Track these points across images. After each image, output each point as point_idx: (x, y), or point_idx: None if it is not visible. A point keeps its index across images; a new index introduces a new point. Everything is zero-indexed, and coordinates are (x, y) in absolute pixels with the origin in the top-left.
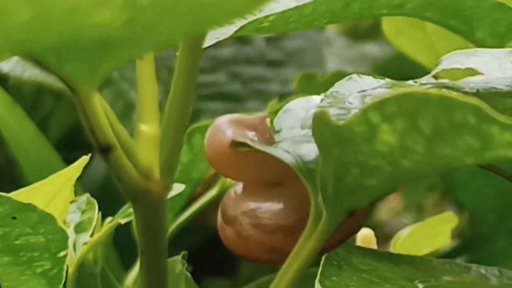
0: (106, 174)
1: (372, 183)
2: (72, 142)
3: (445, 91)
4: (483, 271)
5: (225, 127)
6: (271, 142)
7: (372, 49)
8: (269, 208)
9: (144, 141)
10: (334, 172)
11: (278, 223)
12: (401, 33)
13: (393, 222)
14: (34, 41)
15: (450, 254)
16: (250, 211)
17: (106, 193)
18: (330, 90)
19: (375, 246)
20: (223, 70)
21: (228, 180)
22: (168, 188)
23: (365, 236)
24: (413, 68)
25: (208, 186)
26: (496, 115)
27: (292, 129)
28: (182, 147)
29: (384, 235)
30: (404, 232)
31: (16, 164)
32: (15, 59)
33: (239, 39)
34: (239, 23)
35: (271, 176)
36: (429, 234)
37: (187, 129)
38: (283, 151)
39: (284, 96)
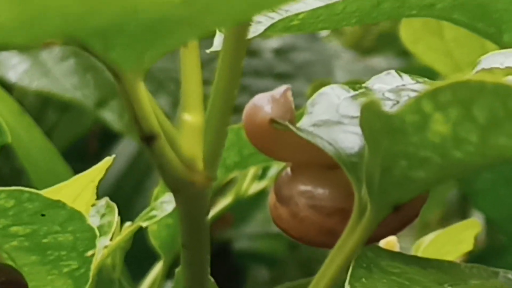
0: (118, 179)
1: (420, 175)
2: (76, 154)
3: (501, 79)
4: (510, 276)
5: (264, 102)
6: (291, 116)
7: (379, 62)
8: (328, 189)
9: (187, 131)
10: (381, 164)
11: (336, 206)
12: (420, 41)
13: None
14: (85, 21)
15: None
16: (307, 191)
17: (118, 198)
18: (368, 82)
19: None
20: None
21: (244, 189)
22: (211, 179)
23: (388, 241)
24: None
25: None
26: None
27: (324, 113)
28: (226, 138)
29: None
30: (427, 238)
31: (23, 174)
32: (22, 69)
33: (247, 51)
34: (268, 21)
35: (321, 158)
36: (452, 240)
37: (231, 119)
38: (327, 143)
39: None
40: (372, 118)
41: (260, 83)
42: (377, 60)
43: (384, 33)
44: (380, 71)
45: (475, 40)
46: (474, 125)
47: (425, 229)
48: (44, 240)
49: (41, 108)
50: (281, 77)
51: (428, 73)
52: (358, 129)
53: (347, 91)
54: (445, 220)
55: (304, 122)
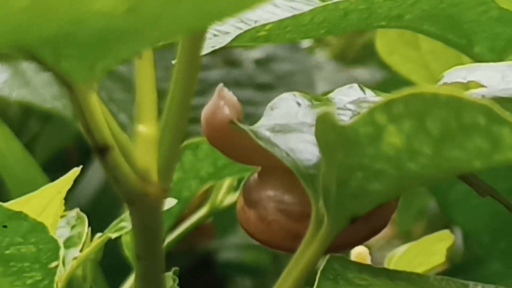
0: (97, 192)
1: (376, 187)
2: (58, 164)
3: (454, 91)
4: None
5: (221, 104)
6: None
7: (362, 73)
8: (296, 194)
9: (141, 142)
10: (337, 176)
11: (304, 210)
12: (395, 52)
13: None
14: (32, 31)
15: None
16: (276, 196)
17: (96, 210)
18: (330, 94)
19: (369, 263)
20: (212, 93)
21: (219, 200)
22: (165, 191)
23: (359, 253)
24: None
25: (196, 206)
26: (507, 116)
27: (283, 118)
28: (181, 149)
29: None
30: (399, 251)
31: (2, 185)
32: (2, 79)
33: (228, 62)
34: (234, 33)
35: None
36: (424, 252)
37: (186, 131)
38: (285, 153)
39: None
40: (327, 129)
41: (241, 93)
42: (360, 72)
43: (369, 44)
44: (363, 82)
45: (451, 52)
46: (427, 138)
47: (409, 240)
48: (7, 252)
49: (24, 117)
50: (262, 88)
51: (411, 85)
52: None
53: (308, 100)
54: (430, 231)
55: (262, 124)
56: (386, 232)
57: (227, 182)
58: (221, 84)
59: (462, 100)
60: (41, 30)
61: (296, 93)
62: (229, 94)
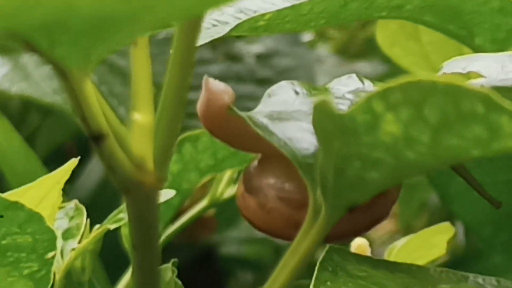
0: (97, 186)
1: (374, 176)
2: (58, 159)
3: (452, 79)
4: (480, 280)
5: (219, 91)
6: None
7: (363, 67)
8: (297, 182)
9: (137, 130)
10: (335, 166)
11: (305, 199)
12: (396, 45)
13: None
14: (25, 17)
15: None
16: (277, 183)
17: (96, 204)
18: (328, 84)
19: (369, 255)
20: None
21: (219, 192)
22: (161, 180)
23: (359, 245)
24: None
25: (197, 199)
26: (506, 104)
27: (280, 105)
28: (177, 139)
29: None
30: (399, 243)
31: (2, 178)
32: (2, 72)
33: (229, 56)
34: (233, 23)
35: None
36: (424, 245)
37: (182, 120)
38: (283, 142)
39: None
40: (324, 118)
41: (242, 88)
42: (362, 65)
43: (371, 38)
44: (365, 76)
45: (452, 44)
46: (425, 126)
47: (411, 233)
48: (3, 242)
49: (24, 111)
50: (263, 82)
51: None
52: None
53: (306, 89)
54: (432, 224)
55: (259, 110)
56: (388, 226)
57: (227, 175)
58: (205, 76)
59: (460, 88)
60: (34, 16)
61: (295, 82)
62: (215, 82)
